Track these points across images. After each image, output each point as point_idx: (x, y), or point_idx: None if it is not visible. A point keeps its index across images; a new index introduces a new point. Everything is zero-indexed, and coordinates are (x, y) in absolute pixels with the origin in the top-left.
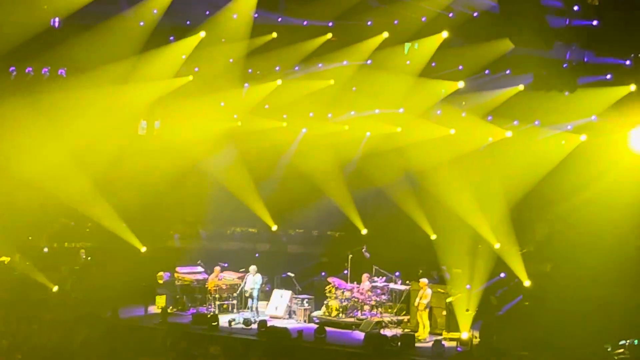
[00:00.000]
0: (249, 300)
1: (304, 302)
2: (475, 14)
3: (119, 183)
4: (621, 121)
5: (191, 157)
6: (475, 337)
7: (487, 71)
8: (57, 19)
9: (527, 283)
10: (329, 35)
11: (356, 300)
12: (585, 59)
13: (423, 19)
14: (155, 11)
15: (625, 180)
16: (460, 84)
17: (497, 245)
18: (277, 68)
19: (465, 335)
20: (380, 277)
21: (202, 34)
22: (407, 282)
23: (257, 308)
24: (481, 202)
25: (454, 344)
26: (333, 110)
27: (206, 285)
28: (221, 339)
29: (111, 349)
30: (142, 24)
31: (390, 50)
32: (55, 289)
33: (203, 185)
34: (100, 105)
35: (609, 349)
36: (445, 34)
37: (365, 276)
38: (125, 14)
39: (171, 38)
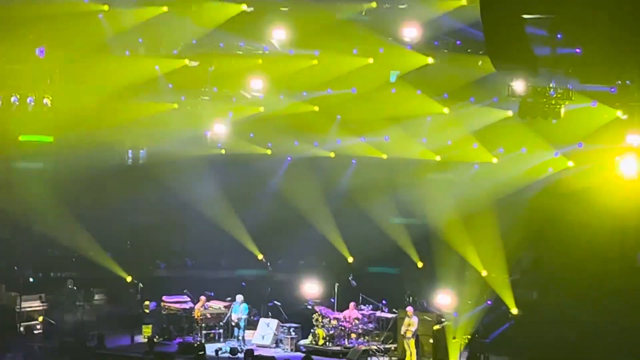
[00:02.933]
0: (236, 329)
1: (291, 330)
2: (458, 42)
3: (105, 214)
4: (608, 147)
5: (176, 187)
6: None
7: (472, 99)
8: (43, 49)
9: (514, 311)
10: (315, 62)
11: (343, 328)
12: (570, 87)
13: (408, 47)
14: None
15: (611, 206)
16: (446, 110)
17: (484, 273)
18: (260, 96)
19: None
20: (367, 305)
21: (194, 63)
22: (394, 310)
23: (243, 337)
24: (469, 229)
25: None
26: (318, 138)
27: (192, 315)
28: None
29: None
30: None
31: (376, 78)
32: (40, 318)
33: (189, 215)
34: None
35: None
36: (430, 60)
37: (352, 304)
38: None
39: (156, 67)
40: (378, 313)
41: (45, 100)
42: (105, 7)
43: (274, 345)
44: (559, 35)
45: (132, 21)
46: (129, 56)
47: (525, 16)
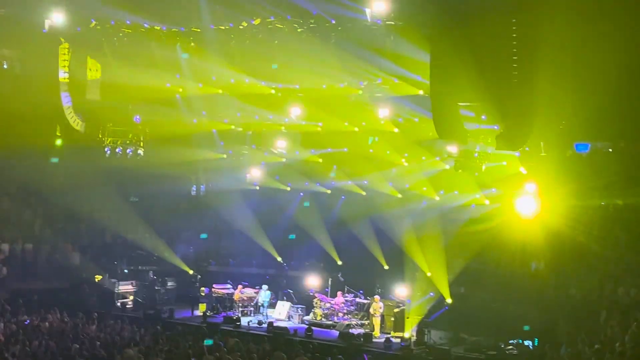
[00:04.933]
0: (261, 308)
1: (299, 309)
2: (416, 119)
3: (176, 228)
4: (512, 192)
5: (224, 211)
6: (413, 336)
7: (423, 157)
8: (138, 117)
9: (449, 300)
10: (319, 129)
11: (333, 309)
12: (489, 150)
13: (382, 122)
14: None
15: (513, 231)
16: (406, 164)
17: (429, 274)
18: (283, 151)
19: (407, 334)
20: (350, 294)
21: (238, 128)
22: (367, 297)
23: (267, 313)
24: (419, 244)
25: (398, 340)
26: (320, 180)
27: (233, 297)
28: (242, 334)
29: (169, 339)
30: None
31: (359, 141)
32: (131, 297)
33: (232, 230)
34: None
35: (502, 346)
36: (396, 130)
37: (339, 293)
38: None
39: (214, 130)
40: (357, 299)
41: (139, 151)
42: (180, 89)
43: (287, 319)
44: (483, 117)
45: (198, 98)
46: (195, 122)
47: (460, 103)
